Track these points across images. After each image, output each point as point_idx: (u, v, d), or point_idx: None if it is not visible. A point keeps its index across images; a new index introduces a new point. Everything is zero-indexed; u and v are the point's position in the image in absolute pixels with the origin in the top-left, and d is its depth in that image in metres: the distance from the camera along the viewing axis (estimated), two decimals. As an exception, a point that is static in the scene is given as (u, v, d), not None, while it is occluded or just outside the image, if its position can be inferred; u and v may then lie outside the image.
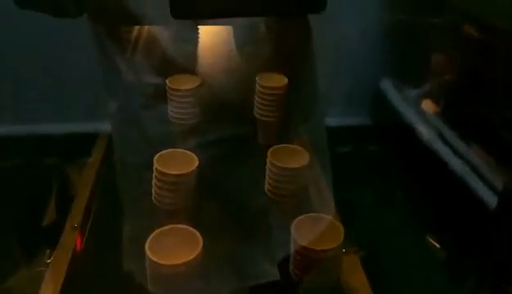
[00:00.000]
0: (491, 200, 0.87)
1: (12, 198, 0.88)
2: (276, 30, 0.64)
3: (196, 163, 0.51)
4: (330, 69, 1.22)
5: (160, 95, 0.62)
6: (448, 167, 0.97)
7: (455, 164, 0.96)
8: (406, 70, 1.17)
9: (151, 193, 0.57)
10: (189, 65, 0.65)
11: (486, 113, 0.96)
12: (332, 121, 1.19)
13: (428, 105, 1.09)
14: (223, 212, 0.59)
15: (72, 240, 0.63)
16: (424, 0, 1.12)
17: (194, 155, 0.53)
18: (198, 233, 0.44)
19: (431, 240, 0.93)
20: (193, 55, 0.65)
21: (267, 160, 0.53)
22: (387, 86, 1.20)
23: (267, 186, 0.54)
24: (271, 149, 0.53)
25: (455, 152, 0.98)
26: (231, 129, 0.62)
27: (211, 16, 0.57)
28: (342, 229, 0.44)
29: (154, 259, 0.42)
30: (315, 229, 0.44)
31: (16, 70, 1.10)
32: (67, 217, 0.69)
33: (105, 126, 0.86)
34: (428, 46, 1.08)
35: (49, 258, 0.62)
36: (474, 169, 0.94)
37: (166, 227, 0.45)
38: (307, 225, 0.44)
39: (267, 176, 0.54)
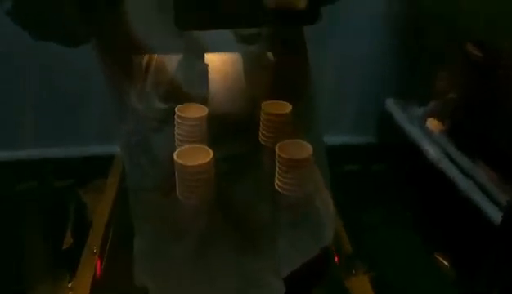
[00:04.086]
0: (497, 216, 0.88)
1: (31, 221, 0.91)
2: (277, 61, 0.67)
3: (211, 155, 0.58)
4: (336, 89, 1.24)
5: (168, 120, 0.64)
6: (455, 185, 0.98)
7: (462, 182, 0.97)
8: (410, 90, 1.19)
9: (162, 215, 0.60)
10: (197, 92, 0.67)
11: (490, 131, 0.97)
12: (339, 140, 1.21)
13: (433, 124, 1.10)
14: (229, 225, 0.61)
15: (91, 265, 0.65)
16: (426, 20, 1.14)
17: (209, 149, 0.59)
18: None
19: (440, 259, 0.94)
20: (201, 82, 0.67)
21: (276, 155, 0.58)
22: (392, 105, 1.22)
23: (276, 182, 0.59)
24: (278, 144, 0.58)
25: (461, 170, 1.00)
26: (237, 149, 0.64)
27: (212, 27, 0.59)
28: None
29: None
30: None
31: (30, 95, 1.13)
32: (85, 241, 0.71)
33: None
34: (432, 66, 1.10)
35: (69, 282, 0.64)
36: (480, 186, 0.95)
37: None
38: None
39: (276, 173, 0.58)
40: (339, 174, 1.18)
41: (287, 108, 0.63)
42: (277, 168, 0.58)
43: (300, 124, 0.64)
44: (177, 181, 0.58)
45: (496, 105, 0.99)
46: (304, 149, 0.57)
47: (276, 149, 0.58)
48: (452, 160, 1.01)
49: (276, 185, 0.59)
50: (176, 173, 0.58)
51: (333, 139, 1.17)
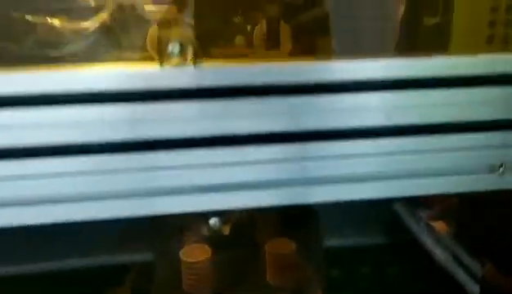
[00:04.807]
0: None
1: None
2: None
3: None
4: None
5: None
6: (464, 289, 0.98)
7: (470, 285, 0.97)
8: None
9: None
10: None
11: (496, 232, 0.98)
12: (347, 242, 1.22)
13: (438, 225, 1.12)
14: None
15: None
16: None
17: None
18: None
19: None
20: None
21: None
22: (399, 208, 1.25)
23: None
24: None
25: (469, 272, 1.00)
26: (235, 249, 0.74)
27: None
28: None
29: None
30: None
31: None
32: None
33: (131, 259, 0.92)
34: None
35: None
36: (490, 291, 0.94)
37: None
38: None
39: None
40: (350, 277, 1.17)
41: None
42: (267, 263, 0.71)
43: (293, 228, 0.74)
44: (183, 275, 0.71)
45: (499, 206, 1.01)
46: (289, 246, 0.73)
47: (266, 247, 0.72)
48: (459, 262, 1.02)
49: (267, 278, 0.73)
50: (182, 269, 0.71)
51: (339, 241, 1.19)
